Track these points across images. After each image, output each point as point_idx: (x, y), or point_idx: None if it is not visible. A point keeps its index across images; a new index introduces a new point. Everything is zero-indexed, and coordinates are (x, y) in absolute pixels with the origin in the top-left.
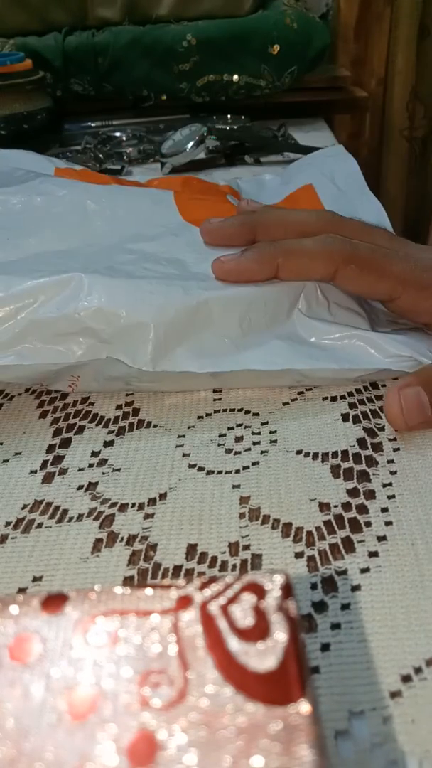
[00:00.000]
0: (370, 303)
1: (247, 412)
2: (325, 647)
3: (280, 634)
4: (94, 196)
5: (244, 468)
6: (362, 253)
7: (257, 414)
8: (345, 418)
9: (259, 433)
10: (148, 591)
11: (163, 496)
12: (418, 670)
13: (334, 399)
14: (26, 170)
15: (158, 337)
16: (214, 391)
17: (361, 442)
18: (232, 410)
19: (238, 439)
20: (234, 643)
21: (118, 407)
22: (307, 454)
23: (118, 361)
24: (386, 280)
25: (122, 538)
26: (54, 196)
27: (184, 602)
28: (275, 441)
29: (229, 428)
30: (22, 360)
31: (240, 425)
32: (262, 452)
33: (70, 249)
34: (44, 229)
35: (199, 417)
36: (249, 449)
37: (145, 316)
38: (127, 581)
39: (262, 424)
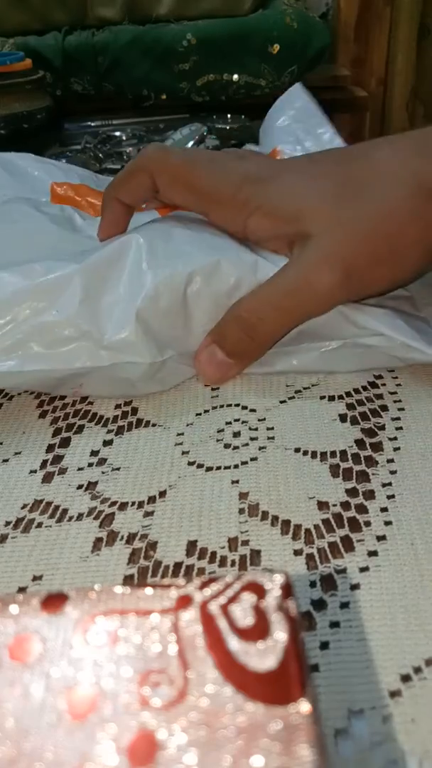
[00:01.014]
0: None
1: (244, 407)
2: (324, 645)
3: (280, 634)
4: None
5: (243, 463)
6: (174, 162)
7: (254, 410)
8: (343, 418)
9: (256, 429)
10: (148, 590)
11: (162, 493)
12: (417, 670)
13: (332, 398)
14: (11, 197)
15: (153, 330)
16: (212, 389)
17: (360, 443)
18: (229, 405)
19: (236, 435)
20: (234, 643)
21: (117, 406)
22: (305, 453)
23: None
24: (192, 191)
25: (122, 537)
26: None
27: (184, 602)
28: (273, 437)
29: (227, 423)
30: (23, 366)
31: (237, 420)
32: (260, 448)
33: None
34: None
35: (197, 414)
36: (247, 444)
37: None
38: (128, 580)
39: (259, 420)
